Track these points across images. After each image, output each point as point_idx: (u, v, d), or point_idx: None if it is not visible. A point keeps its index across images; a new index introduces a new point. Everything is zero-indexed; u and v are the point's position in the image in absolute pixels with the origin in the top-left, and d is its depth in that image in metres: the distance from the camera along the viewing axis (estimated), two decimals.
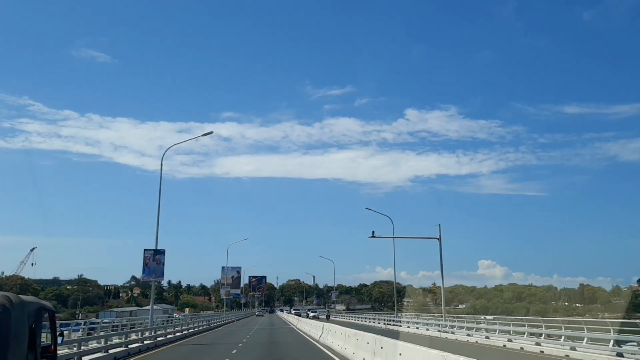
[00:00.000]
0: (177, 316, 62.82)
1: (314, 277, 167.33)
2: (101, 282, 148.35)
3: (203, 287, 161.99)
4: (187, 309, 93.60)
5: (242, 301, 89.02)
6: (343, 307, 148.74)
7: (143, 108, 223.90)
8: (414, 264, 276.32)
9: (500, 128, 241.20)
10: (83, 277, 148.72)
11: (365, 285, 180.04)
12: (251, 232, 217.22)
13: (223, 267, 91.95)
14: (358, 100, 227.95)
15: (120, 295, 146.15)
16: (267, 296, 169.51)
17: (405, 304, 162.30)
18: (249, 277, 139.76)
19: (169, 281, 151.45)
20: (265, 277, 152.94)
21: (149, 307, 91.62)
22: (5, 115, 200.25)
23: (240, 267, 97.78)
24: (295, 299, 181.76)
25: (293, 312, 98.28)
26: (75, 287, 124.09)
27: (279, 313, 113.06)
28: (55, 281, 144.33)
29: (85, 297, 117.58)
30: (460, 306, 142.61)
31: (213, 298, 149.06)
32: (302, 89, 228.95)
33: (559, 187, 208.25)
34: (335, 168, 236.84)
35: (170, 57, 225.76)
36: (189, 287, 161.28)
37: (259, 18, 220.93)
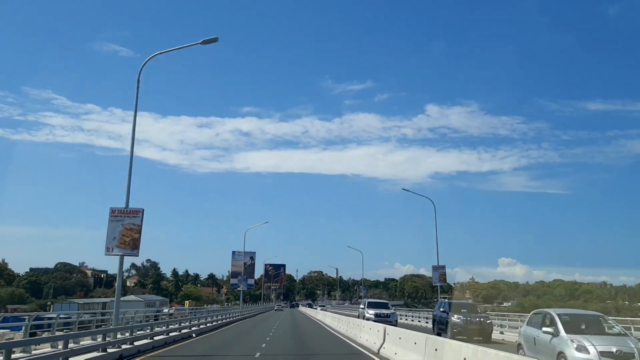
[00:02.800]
0: (167, 311, 47.73)
1: (337, 269, 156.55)
2: (111, 272, 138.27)
3: (211, 276, 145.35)
4: (187, 302, 78.29)
5: (243, 288, 73.04)
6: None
7: (164, 102, 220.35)
8: (430, 259, 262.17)
9: (523, 124, 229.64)
10: (85, 265, 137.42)
11: (392, 280, 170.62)
12: (270, 227, 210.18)
13: (233, 252, 76.63)
14: (378, 96, 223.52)
15: (114, 284, 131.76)
16: (286, 288, 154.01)
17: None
18: (265, 265, 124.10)
19: (174, 269, 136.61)
20: (284, 266, 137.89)
21: (127, 298, 76.51)
22: (29, 108, 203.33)
23: (254, 253, 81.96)
24: (319, 292, 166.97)
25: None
26: (54, 274, 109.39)
27: (302, 309, 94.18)
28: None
29: (64, 285, 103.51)
30: (505, 304, 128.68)
31: (224, 290, 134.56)
32: (322, 84, 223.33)
33: (582, 185, 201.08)
34: (355, 164, 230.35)
35: (190, 51, 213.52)
36: (197, 276, 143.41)
37: (280, 13, 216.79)
